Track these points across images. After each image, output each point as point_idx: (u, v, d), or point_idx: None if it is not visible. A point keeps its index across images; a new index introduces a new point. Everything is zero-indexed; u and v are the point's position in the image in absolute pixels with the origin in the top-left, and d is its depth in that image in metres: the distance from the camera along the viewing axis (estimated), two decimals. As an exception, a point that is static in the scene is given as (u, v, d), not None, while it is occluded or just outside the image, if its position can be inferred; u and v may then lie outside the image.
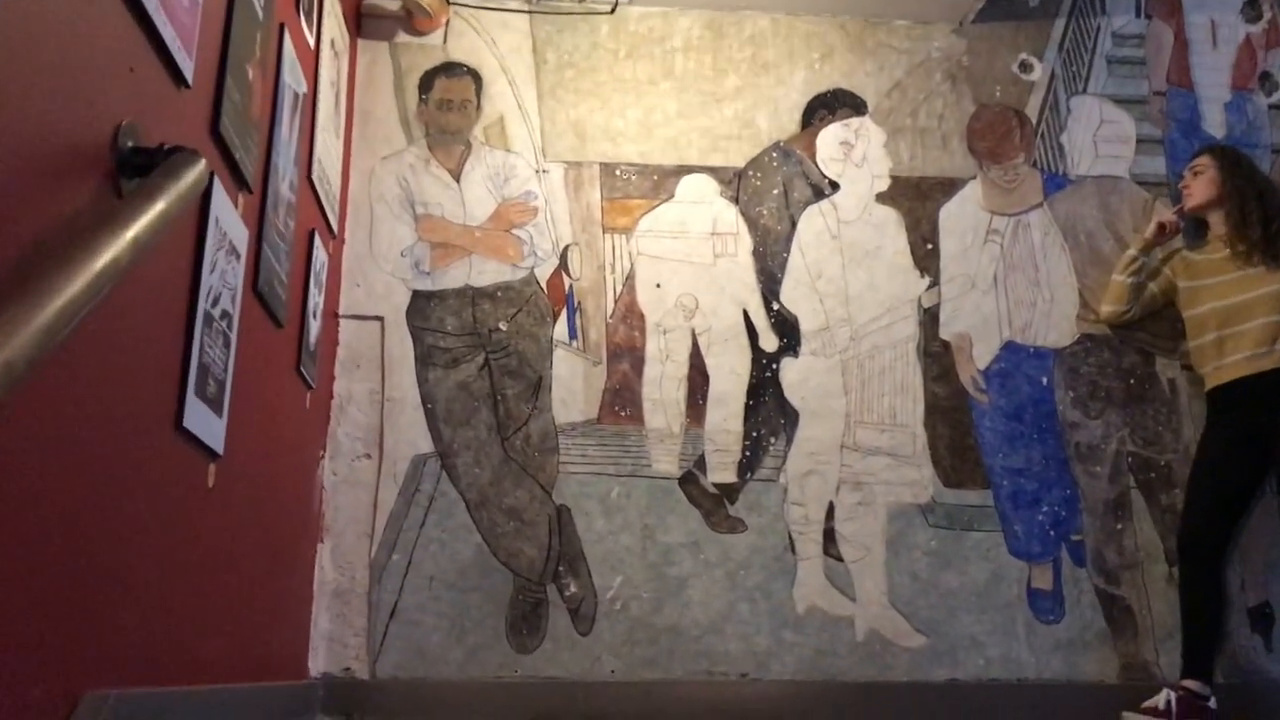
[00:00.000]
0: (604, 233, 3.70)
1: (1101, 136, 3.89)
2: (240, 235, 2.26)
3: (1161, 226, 3.64)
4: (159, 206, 1.43)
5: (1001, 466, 3.60)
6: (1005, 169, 3.83)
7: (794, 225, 3.73)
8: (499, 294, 3.60)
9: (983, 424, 3.64)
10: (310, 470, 3.29)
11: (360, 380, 3.49)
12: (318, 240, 3.07)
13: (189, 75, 1.90)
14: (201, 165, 1.67)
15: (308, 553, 3.29)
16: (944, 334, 3.69)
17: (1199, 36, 3.99)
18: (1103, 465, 3.63)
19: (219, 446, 2.18)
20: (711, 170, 3.76)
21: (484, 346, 3.56)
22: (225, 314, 2.18)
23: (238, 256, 2.25)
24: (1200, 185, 3.63)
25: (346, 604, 3.34)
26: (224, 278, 2.17)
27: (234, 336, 2.24)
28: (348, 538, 3.38)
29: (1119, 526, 3.59)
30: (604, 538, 3.46)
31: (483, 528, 3.43)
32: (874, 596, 3.48)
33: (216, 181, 2.06)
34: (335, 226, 3.41)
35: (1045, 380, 3.68)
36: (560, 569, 3.43)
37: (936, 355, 3.68)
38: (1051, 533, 3.57)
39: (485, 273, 3.62)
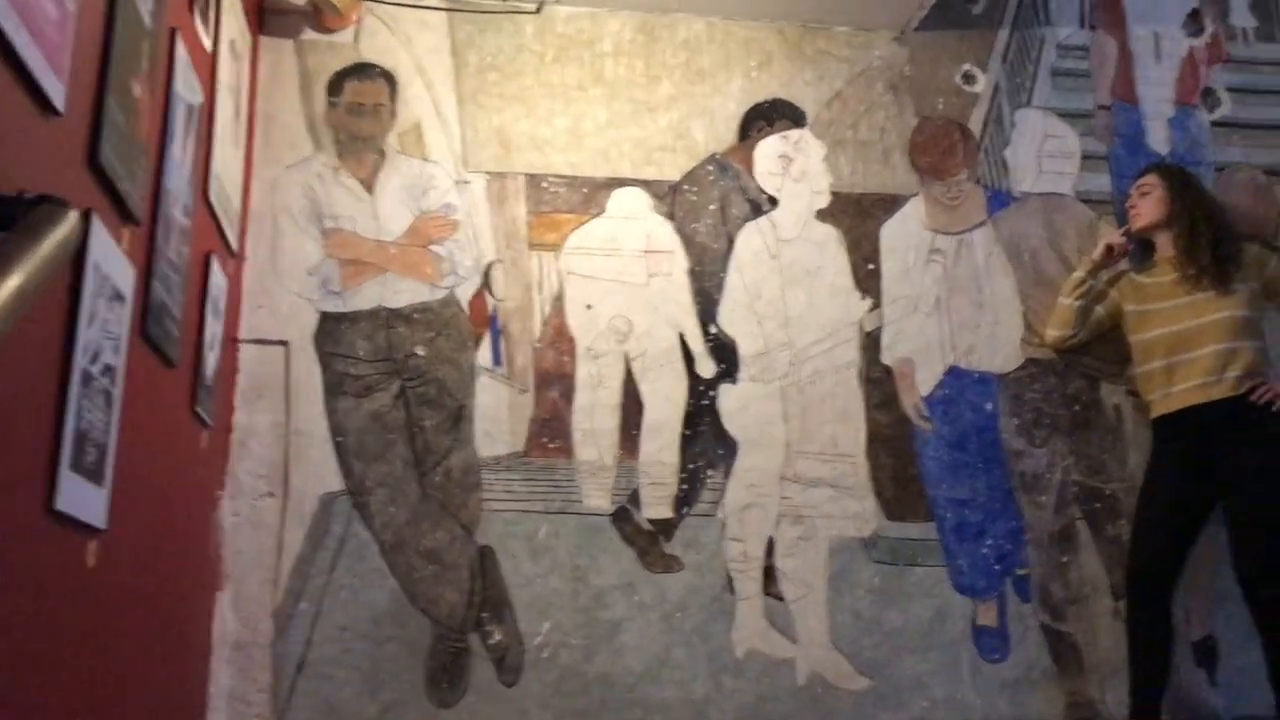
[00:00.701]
0: (530, 250, 3.46)
1: (1046, 152, 3.76)
2: (125, 276, 1.97)
3: (1109, 249, 3.52)
4: (12, 282, 1.16)
5: (945, 498, 3.46)
6: (948, 185, 3.68)
7: (731, 243, 3.53)
8: (416, 316, 3.33)
9: (926, 453, 3.49)
10: (206, 513, 2.99)
11: (263, 412, 3.19)
12: (215, 264, 2.77)
13: (59, 101, 1.61)
14: (72, 218, 1.39)
15: (205, 603, 3.00)
16: (886, 359, 3.53)
17: (1142, 49, 3.88)
18: (1048, 495, 3.51)
19: (100, 521, 1.90)
20: (645, 184, 3.54)
21: (399, 373, 3.29)
22: (107, 368, 1.90)
23: (121, 300, 1.96)
24: (1148, 205, 3.51)
25: (249, 657, 3.05)
26: (105, 327, 1.88)
27: (118, 391, 1.95)
28: (249, 584, 3.09)
29: (1065, 559, 3.47)
30: (531, 581, 3.23)
31: (399, 572, 3.17)
32: (816, 637, 3.31)
33: (96, 220, 1.78)
34: (235, 244, 3.10)
35: (989, 407, 3.55)
36: (484, 615, 3.19)
37: (878, 381, 3.52)
38: (996, 567, 3.44)
39: (401, 292, 3.34)
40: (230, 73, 2.89)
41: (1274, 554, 3.19)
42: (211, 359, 2.78)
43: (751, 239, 3.55)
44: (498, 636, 3.19)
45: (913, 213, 3.65)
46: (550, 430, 3.34)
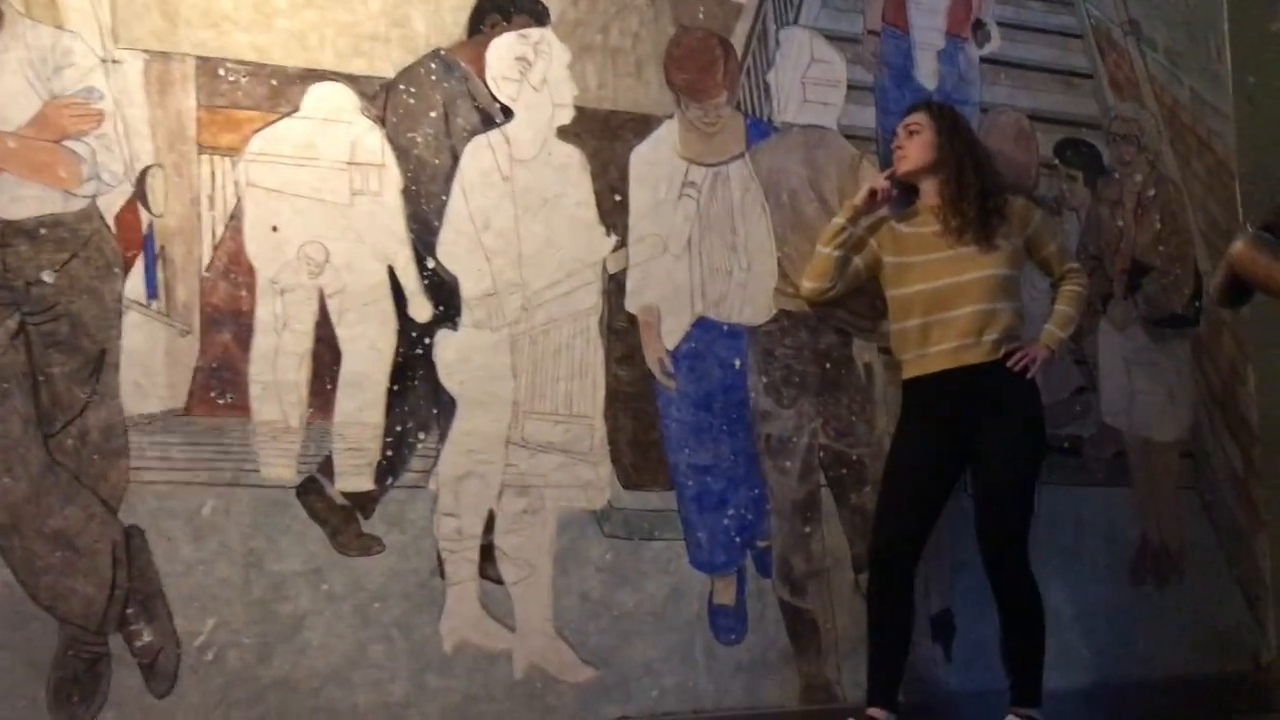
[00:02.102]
0: (200, 153, 2.76)
1: (811, 78, 3.38)
2: None
3: (873, 194, 3.20)
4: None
5: (687, 464, 3.10)
6: (706, 109, 3.24)
7: (456, 159, 2.96)
8: (43, 231, 2.59)
9: (669, 414, 3.10)
10: None
11: None
12: None
13: None
14: None
15: None
16: (631, 306, 3.09)
17: (917, -31, 3.55)
18: (793, 460, 3.22)
19: None
20: (351, 80, 2.89)
21: (18, 305, 2.56)
22: None
23: None
24: (915, 147, 3.21)
25: None
26: None
27: None
28: None
29: (807, 530, 3.21)
30: (192, 568, 2.62)
31: (14, 560, 2.49)
32: (537, 624, 2.89)
33: None
34: None
35: (738, 363, 3.19)
36: (129, 612, 2.57)
37: (621, 332, 3.08)
38: (737, 539, 3.13)
39: (22, 200, 2.58)
40: None
41: (1018, 530, 3.06)
42: None
43: (481, 156, 2.99)
44: (147, 637, 2.58)
45: (666, 137, 3.19)
46: (221, 382, 2.70)
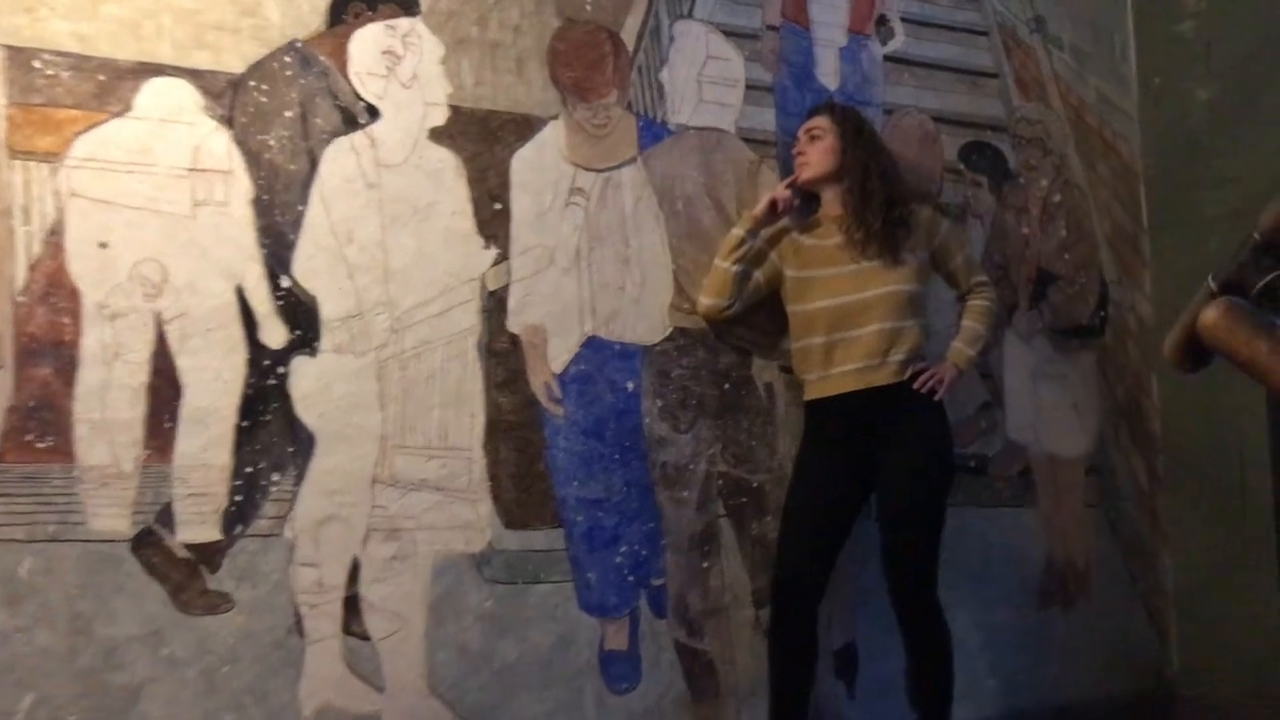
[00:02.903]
0: (12, 158, 2.40)
1: (707, 77, 3.14)
2: None
3: (773, 204, 2.98)
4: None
5: (577, 498, 2.85)
6: (594, 109, 2.97)
7: (315, 165, 2.65)
8: None
9: (556, 444, 2.84)
10: None
11: None
12: None
13: None
14: None
15: None
16: (513, 325, 2.82)
17: (818, -38, 3.33)
18: (690, 490, 3.00)
19: None
20: (193, 75, 2.55)
21: None
22: None
23: None
24: (818, 153, 3.00)
25: None
26: None
27: None
28: None
29: (705, 565, 2.99)
30: (7, 638, 2.29)
31: None
32: (409, 682, 2.62)
33: None
34: None
35: (631, 386, 2.95)
36: (-71, 694, 2.22)
37: (503, 354, 2.81)
38: (630, 579, 2.89)
39: None
40: None
41: (926, 559, 2.89)
42: None
43: (344, 160, 2.68)
44: (-48, 721, 2.24)
45: (551, 140, 2.92)
46: (40, 423, 2.35)
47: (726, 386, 3.06)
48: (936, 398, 2.92)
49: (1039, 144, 3.62)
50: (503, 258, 2.82)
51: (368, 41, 2.73)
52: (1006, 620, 3.38)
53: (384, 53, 2.75)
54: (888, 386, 2.89)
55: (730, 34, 3.18)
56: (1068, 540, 3.51)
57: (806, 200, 3.08)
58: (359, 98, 2.71)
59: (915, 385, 2.90)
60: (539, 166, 2.89)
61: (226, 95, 2.58)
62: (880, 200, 2.94)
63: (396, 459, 2.66)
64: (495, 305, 2.81)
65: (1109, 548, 3.58)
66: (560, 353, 2.86)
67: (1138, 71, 3.79)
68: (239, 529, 2.50)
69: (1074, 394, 3.57)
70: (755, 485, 3.07)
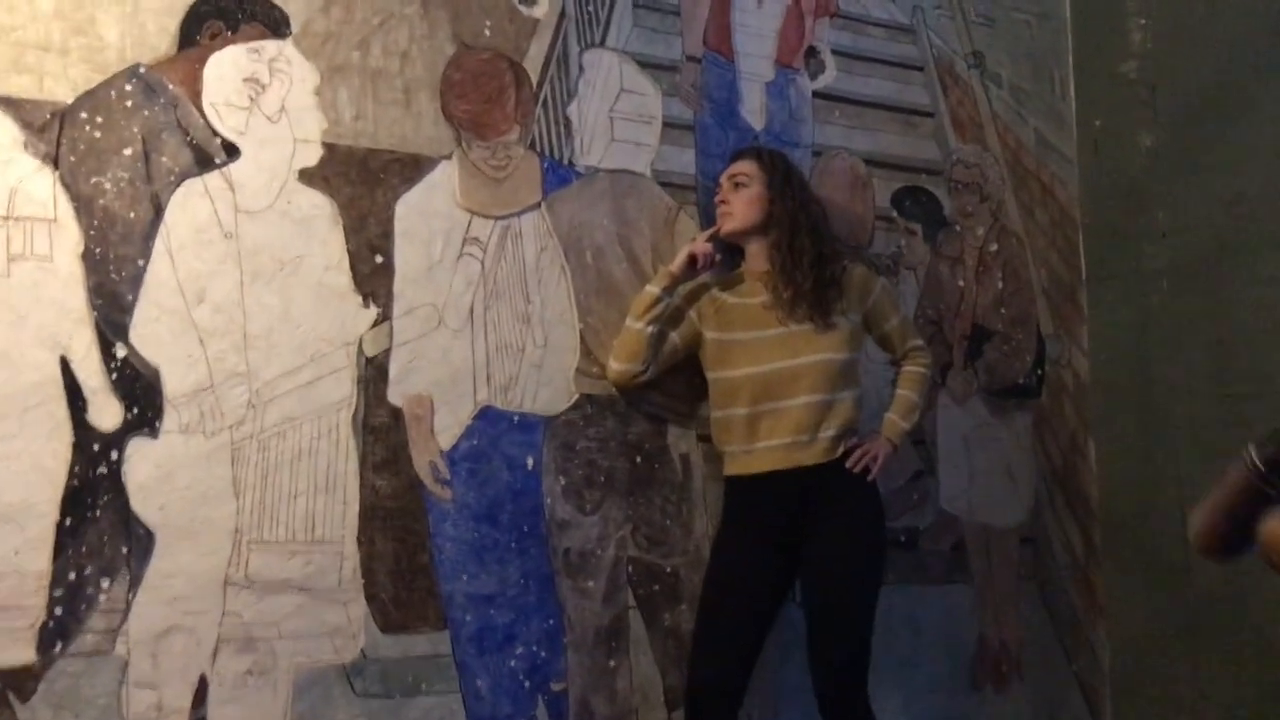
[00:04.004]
0: None
1: (620, 113, 2.82)
2: None
3: (692, 259, 2.68)
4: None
5: (465, 594, 2.50)
6: (493, 148, 2.63)
7: (160, 212, 2.26)
8: None
9: (442, 532, 2.49)
10: None
11: None
12: None
13: None
14: None
15: None
16: (394, 397, 2.46)
17: (743, -13, 3.03)
18: (597, 579, 2.67)
19: None
20: (9, 104, 2.15)
21: None
22: None
23: None
24: (743, 204, 2.71)
25: None
26: None
27: None
28: None
29: (612, 664, 2.66)
30: None
31: None
32: (266, 818, 2.25)
33: None
34: None
35: (531, 462, 2.61)
36: None
37: (382, 430, 2.45)
38: (526, 684, 2.55)
39: None
40: None
41: (857, 657, 2.63)
42: None
43: (195, 207, 2.30)
44: None
45: (443, 183, 2.57)
46: None
47: (638, 459, 2.74)
48: (870, 478, 2.65)
49: (975, 189, 3.36)
50: (384, 318, 2.46)
51: (226, 67, 2.35)
52: (938, 705, 3.12)
53: (246, 80, 2.37)
54: (817, 466, 2.61)
55: (646, 65, 2.86)
56: (1001, 617, 3.26)
57: (729, 253, 2.79)
58: (215, 133, 2.33)
59: (847, 464, 2.63)
60: (428, 213, 2.53)
61: (51, 129, 2.18)
62: (811, 257, 2.66)
63: (253, 556, 2.29)
64: (374, 374, 2.45)
65: (1043, 624, 3.34)
66: (449, 426, 2.51)
67: (1078, 112, 3.56)
68: (59, 647, 2.10)
69: (1008, 459, 3.32)
70: (669, 571, 2.76)
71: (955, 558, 3.21)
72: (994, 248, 3.37)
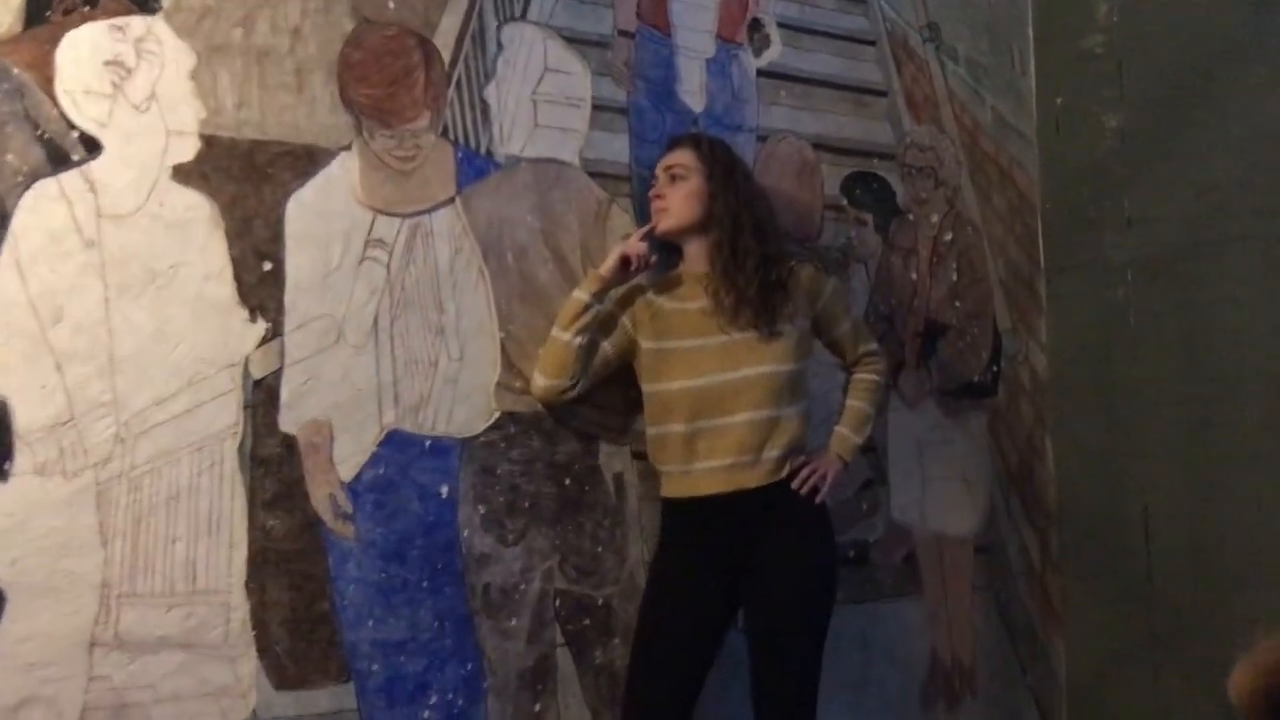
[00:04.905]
0: None
1: (544, 95, 2.53)
2: None
3: (625, 260, 2.42)
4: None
5: (372, 642, 2.24)
6: (399, 136, 2.33)
7: (6, 218, 1.95)
8: None
9: (345, 575, 2.23)
10: None
11: None
12: None
13: None
14: None
15: None
16: (287, 424, 2.18)
17: (681, -48, 2.74)
18: (520, 617, 2.42)
19: None
20: None
21: None
22: None
23: None
24: (680, 199, 2.46)
25: None
26: None
27: None
28: None
29: (537, 708, 2.43)
30: None
31: None
32: None
33: None
34: None
35: (446, 491, 2.35)
36: None
37: (273, 462, 2.17)
38: (443, 735, 2.31)
39: None
40: None
41: (804, 694, 2.42)
42: None
43: (48, 212, 1.99)
44: None
45: (341, 178, 2.27)
46: None
47: (567, 482, 2.49)
48: (818, 499, 2.43)
49: (930, 173, 3.13)
50: (273, 335, 2.17)
51: (84, 48, 2.03)
52: (887, 728, 2.94)
53: (108, 63, 2.05)
54: (761, 488, 2.38)
55: (574, 41, 2.57)
56: (954, 631, 3.08)
57: (666, 251, 2.53)
58: (71, 125, 2.01)
59: (794, 485, 2.41)
60: (324, 213, 2.24)
61: None
62: (755, 259, 2.41)
63: (125, 613, 2.01)
64: (263, 398, 2.16)
65: (997, 636, 3.16)
66: (351, 455, 2.24)
67: (1038, 89, 3.33)
68: (-113, 732, 1.82)
69: (963, 464, 3.12)
70: (601, 603, 2.52)
71: (906, 570, 3.01)
72: (949, 237, 3.15)
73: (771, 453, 2.39)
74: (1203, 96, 2.99)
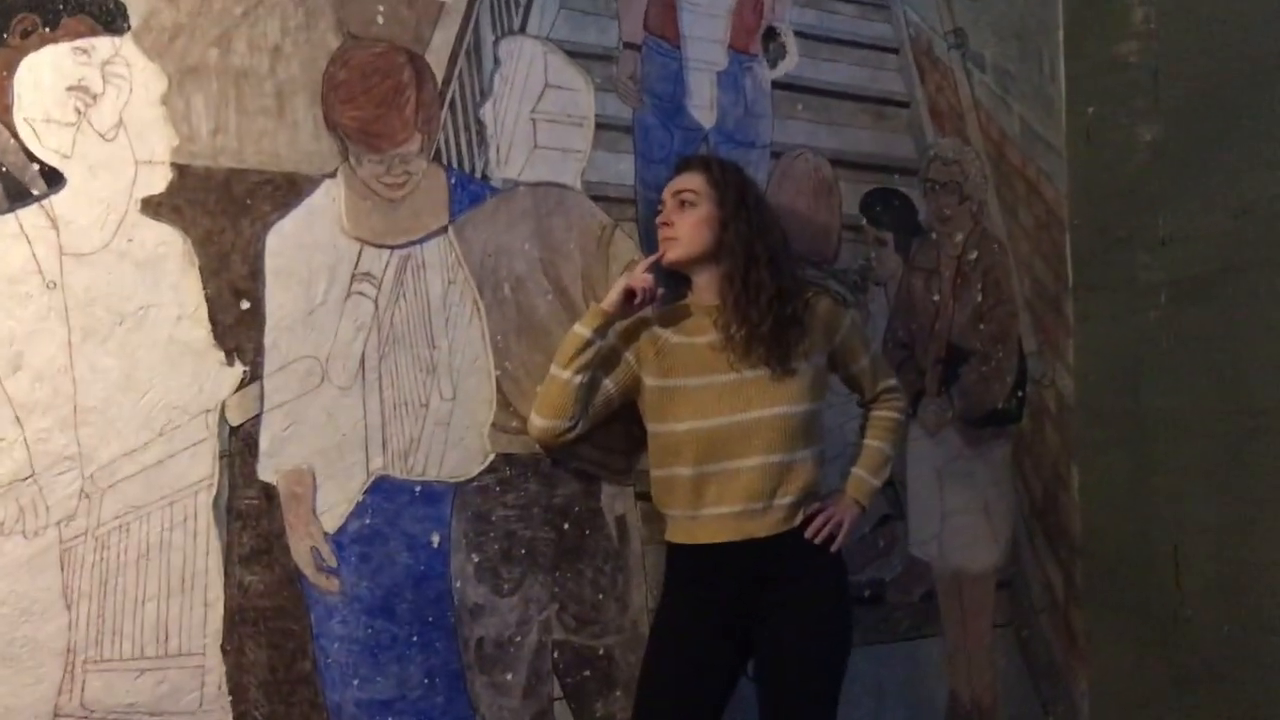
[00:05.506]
0: None
1: (544, 113, 2.38)
2: None
3: (630, 293, 2.27)
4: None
5: (358, 703, 2.11)
6: (388, 161, 2.18)
7: (-41, 258, 1.81)
8: None
9: (328, 632, 2.10)
10: None
11: None
12: None
13: None
14: None
15: None
16: (266, 473, 2.05)
17: (691, -40, 2.58)
18: (516, 671, 2.29)
19: None
20: None
21: None
22: None
23: None
24: (689, 226, 2.30)
25: None
26: None
27: None
28: None
29: (535, 766, 2.30)
30: None
31: None
32: None
33: None
34: None
35: (437, 540, 2.21)
36: None
37: (251, 515, 2.03)
38: (432, 799, 2.18)
39: None
40: None
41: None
42: None
43: (5, 252, 1.86)
44: None
45: (326, 208, 2.12)
46: None
47: (566, 526, 2.35)
48: (834, 548, 2.29)
49: (954, 188, 2.96)
50: (252, 378, 2.03)
51: (45, 73, 1.89)
52: (902, 775, 2.81)
53: (71, 89, 1.91)
54: (772, 537, 2.24)
55: (576, 54, 2.41)
56: (974, 670, 2.94)
57: (673, 281, 2.37)
58: (31, 157, 1.87)
59: (807, 534, 2.26)
60: (307, 245, 2.10)
61: None
62: (769, 293, 2.26)
63: (91, 680, 1.88)
64: (240, 446, 2.02)
65: (1018, 675, 3.02)
66: (336, 504, 2.11)
67: (1068, 98, 3.15)
68: None
69: (984, 495, 2.97)
70: (601, 653, 2.38)
71: (924, 608, 2.87)
72: (973, 256, 2.98)
73: (784, 499, 2.24)
74: (1243, 108, 2.80)
